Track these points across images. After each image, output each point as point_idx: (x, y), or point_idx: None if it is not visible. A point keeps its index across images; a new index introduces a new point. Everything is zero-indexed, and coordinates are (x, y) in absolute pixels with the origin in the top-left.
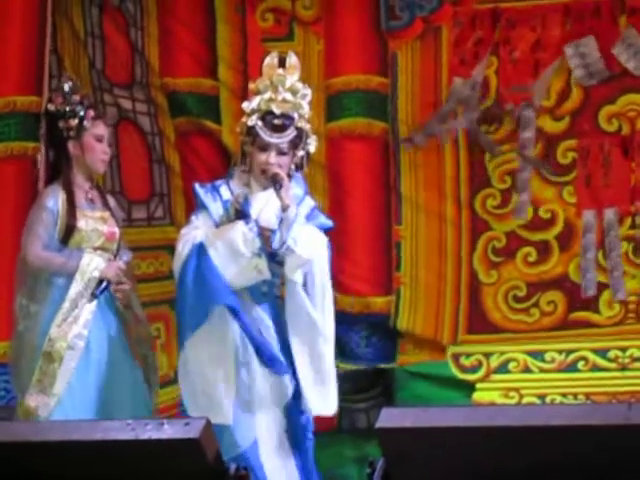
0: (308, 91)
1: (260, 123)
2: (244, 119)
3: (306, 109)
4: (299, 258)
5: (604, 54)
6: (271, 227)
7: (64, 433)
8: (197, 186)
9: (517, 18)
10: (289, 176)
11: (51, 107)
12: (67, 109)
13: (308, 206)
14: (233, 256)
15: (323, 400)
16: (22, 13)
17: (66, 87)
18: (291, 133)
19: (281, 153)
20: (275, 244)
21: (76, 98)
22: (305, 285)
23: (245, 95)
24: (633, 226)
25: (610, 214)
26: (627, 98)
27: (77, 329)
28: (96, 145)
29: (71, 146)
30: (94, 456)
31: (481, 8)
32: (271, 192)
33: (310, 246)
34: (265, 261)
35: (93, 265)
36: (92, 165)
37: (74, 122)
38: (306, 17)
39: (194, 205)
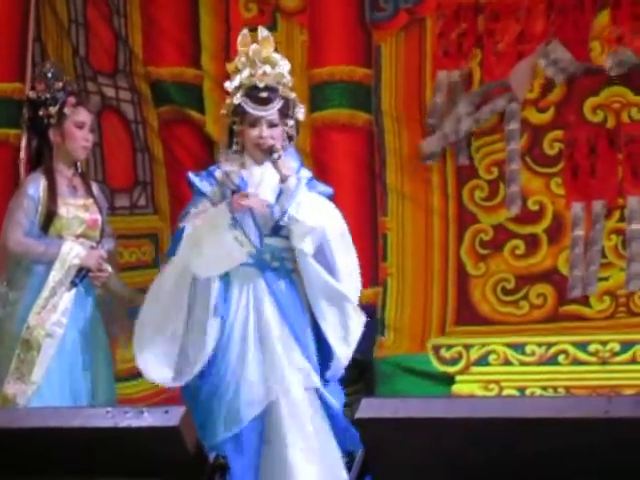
0: (285, 61)
1: (246, 99)
2: (228, 100)
3: (288, 78)
4: (303, 225)
5: (586, 47)
6: (268, 202)
7: (43, 420)
8: (191, 175)
9: (501, 10)
10: (283, 147)
11: (32, 94)
12: (48, 96)
13: (305, 177)
14: (209, 229)
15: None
16: (5, 1)
17: (49, 74)
18: (278, 104)
19: (272, 125)
20: (276, 214)
21: (59, 85)
22: (324, 254)
23: None
24: (622, 219)
25: (598, 207)
26: (611, 90)
27: (56, 317)
28: (77, 132)
29: (52, 133)
30: (73, 443)
31: (465, 0)
32: (265, 167)
33: (316, 212)
34: (241, 233)
35: (73, 253)
36: (73, 152)
37: (54, 109)
38: (290, 7)
39: (178, 194)
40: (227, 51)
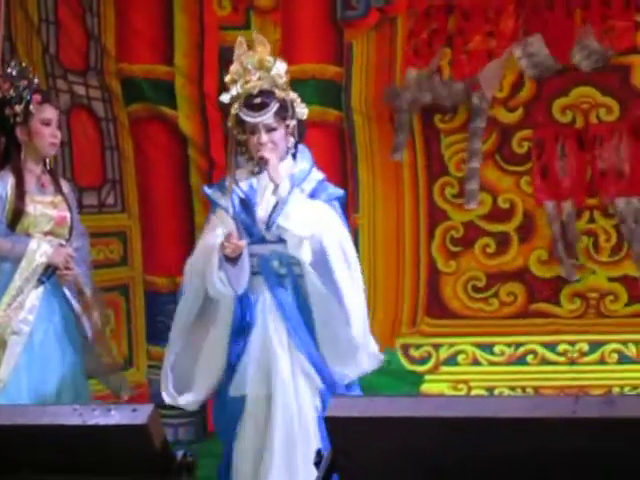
0: (280, 62)
1: (242, 108)
2: (231, 110)
3: (284, 79)
4: (293, 235)
5: (557, 47)
6: (263, 217)
7: (10, 418)
8: (206, 188)
9: (471, 10)
10: (289, 149)
11: None
12: (13, 95)
13: (315, 180)
14: (202, 265)
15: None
16: None
17: (14, 72)
18: (273, 107)
19: (270, 130)
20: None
21: (24, 83)
22: (324, 262)
23: (201, 82)
24: (592, 220)
25: (568, 207)
26: (580, 90)
27: (23, 314)
28: (43, 129)
29: (19, 132)
30: (40, 441)
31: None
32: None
33: (308, 221)
34: (225, 276)
35: (40, 251)
36: (41, 150)
37: (20, 107)
38: (263, 5)
39: (147, 192)
40: (201, 49)
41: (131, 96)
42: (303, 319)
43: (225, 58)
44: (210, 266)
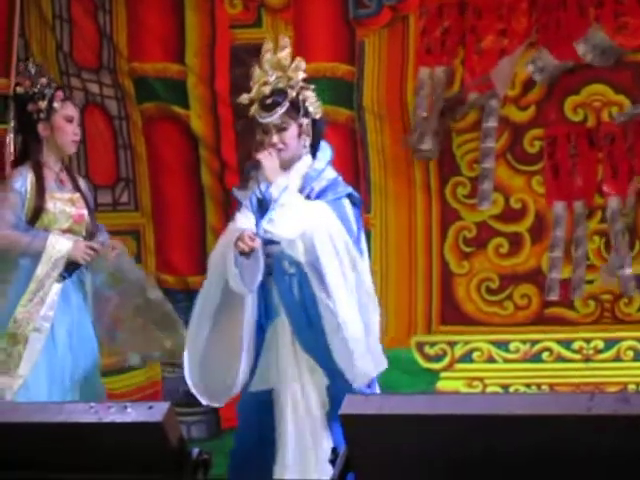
0: (298, 61)
1: (257, 108)
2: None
3: (298, 78)
4: (280, 237)
5: (569, 45)
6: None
7: (27, 415)
8: (234, 189)
9: (484, 7)
10: (305, 148)
11: (20, 90)
12: (35, 91)
13: (326, 179)
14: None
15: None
16: None
17: (32, 70)
18: (283, 107)
19: (281, 129)
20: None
21: (43, 80)
22: (314, 262)
23: (213, 81)
24: (604, 220)
25: (579, 207)
26: (591, 88)
27: (43, 310)
28: (66, 126)
29: (41, 128)
30: (57, 438)
31: None
32: (290, 172)
33: (294, 222)
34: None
35: (58, 246)
36: (63, 146)
37: (43, 104)
38: (275, 4)
39: (160, 191)
40: (212, 47)
41: (143, 95)
42: (309, 318)
43: (237, 57)
44: (229, 259)
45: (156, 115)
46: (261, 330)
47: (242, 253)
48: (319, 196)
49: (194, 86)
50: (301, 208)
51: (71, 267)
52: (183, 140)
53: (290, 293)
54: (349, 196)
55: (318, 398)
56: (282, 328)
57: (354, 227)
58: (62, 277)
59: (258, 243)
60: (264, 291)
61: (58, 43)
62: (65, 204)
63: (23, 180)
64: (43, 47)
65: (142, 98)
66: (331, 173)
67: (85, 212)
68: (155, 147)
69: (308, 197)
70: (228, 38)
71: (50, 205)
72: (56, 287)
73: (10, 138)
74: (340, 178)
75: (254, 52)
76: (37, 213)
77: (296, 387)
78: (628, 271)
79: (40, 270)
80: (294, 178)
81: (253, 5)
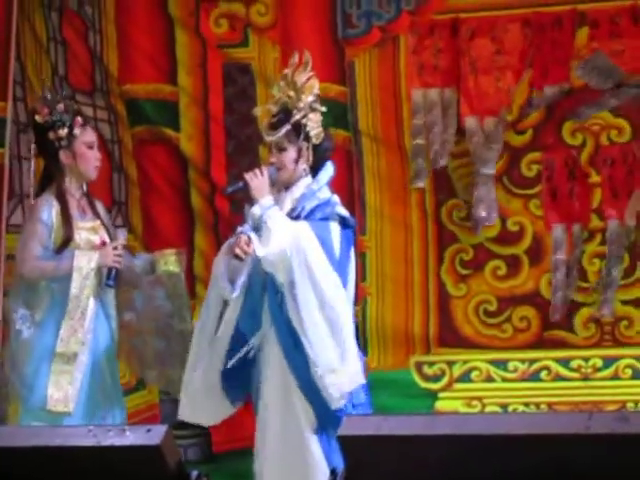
0: (311, 83)
1: (265, 126)
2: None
3: (305, 101)
4: (258, 255)
5: (566, 66)
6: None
7: (25, 439)
8: (246, 206)
9: (477, 29)
10: (304, 170)
11: (39, 119)
12: (54, 119)
13: (318, 198)
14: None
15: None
16: None
17: (49, 96)
18: (285, 127)
19: (281, 149)
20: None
21: (61, 107)
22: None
23: (206, 102)
24: (604, 242)
25: (577, 230)
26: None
27: (86, 324)
28: (88, 152)
29: (63, 155)
30: (56, 462)
31: (440, 18)
32: (288, 191)
33: (271, 243)
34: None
35: (86, 261)
36: (85, 173)
37: (64, 131)
38: (261, 23)
39: (151, 214)
40: (204, 67)
41: (135, 118)
42: (294, 337)
43: (229, 75)
44: (222, 260)
45: (147, 138)
46: (244, 339)
47: (236, 257)
48: (308, 216)
49: (187, 107)
50: (280, 227)
51: (110, 274)
52: (172, 163)
53: (280, 310)
54: (341, 218)
55: (307, 420)
56: (271, 342)
57: (336, 251)
58: (107, 285)
59: (252, 249)
60: (258, 305)
61: (53, 66)
62: (89, 233)
63: (49, 210)
64: (39, 70)
65: (134, 121)
66: (325, 193)
67: (107, 238)
68: (145, 170)
69: (298, 216)
70: (219, 57)
71: (76, 236)
72: (91, 302)
73: (31, 164)
74: (334, 199)
75: (246, 71)
76: (65, 244)
77: (279, 408)
78: (611, 295)
79: (74, 288)
80: (288, 198)
81: (239, 25)
